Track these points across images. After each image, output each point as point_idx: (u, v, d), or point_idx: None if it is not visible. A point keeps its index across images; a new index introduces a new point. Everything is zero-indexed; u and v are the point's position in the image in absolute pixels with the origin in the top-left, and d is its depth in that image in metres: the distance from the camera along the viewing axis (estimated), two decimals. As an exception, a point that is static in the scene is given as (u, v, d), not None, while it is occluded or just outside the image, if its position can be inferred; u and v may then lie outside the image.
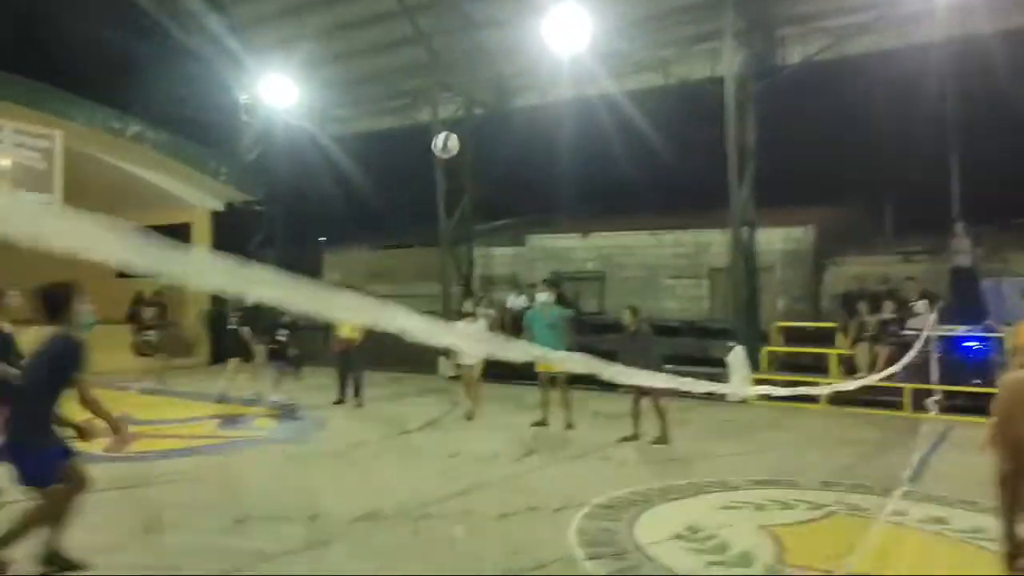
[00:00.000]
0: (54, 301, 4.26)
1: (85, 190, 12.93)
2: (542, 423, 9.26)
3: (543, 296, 9.34)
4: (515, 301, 15.65)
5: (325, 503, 5.94)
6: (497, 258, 18.18)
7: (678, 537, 5.05)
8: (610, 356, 4.54)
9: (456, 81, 16.59)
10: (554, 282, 16.17)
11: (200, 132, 18.62)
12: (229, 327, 12.08)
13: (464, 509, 5.78)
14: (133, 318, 17.71)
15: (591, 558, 4.65)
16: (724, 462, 7.48)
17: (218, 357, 18.95)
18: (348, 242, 20.52)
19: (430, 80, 16.22)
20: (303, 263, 21.10)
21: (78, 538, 4.36)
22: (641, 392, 8.12)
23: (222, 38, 18.49)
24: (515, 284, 17.59)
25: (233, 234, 19.61)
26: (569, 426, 9.18)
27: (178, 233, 18.61)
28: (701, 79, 14.51)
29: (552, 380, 9.25)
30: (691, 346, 14.51)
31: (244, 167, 18.75)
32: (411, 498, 6.00)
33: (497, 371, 13.04)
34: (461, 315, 10.88)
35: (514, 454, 7.89)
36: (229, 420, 9.99)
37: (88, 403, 4.20)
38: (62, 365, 4.15)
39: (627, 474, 6.90)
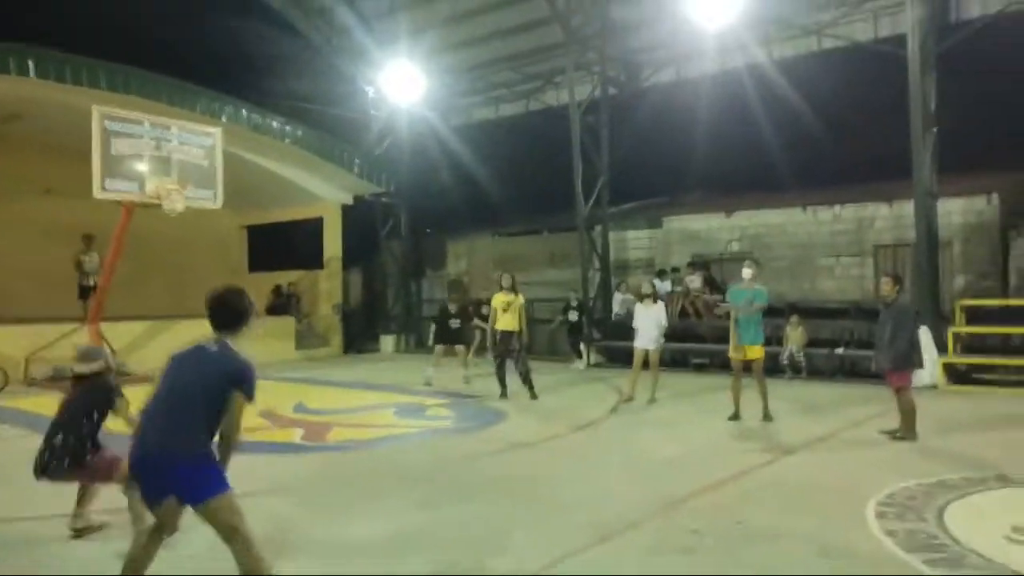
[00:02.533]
0: (236, 311, 3.67)
1: (228, 187, 13.13)
2: (736, 416, 8.56)
3: (747, 272, 8.65)
4: (660, 286, 14.99)
5: (582, 497, 5.55)
6: (632, 241, 17.55)
7: (1011, 539, 4.37)
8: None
9: (591, 60, 16.01)
10: (699, 264, 15.51)
11: (330, 126, 18.79)
12: (439, 315, 13.03)
13: (724, 504, 5.26)
14: (274, 311, 18.14)
15: (927, 563, 4.04)
16: (983, 452, 6.68)
17: (348, 347, 19.26)
18: (473, 231, 20.32)
19: (567, 60, 15.66)
20: (429, 252, 21.14)
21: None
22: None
23: (350, 31, 18.58)
24: (651, 268, 16.95)
25: (362, 226, 19.81)
26: (767, 417, 8.49)
27: (312, 227, 19.03)
28: (867, 40, 13.47)
29: (748, 367, 8.56)
30: (859, 329, 13.56)
31: (373, 159, 18.80)
32: (658, 495, 5.53)
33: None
34: (640, 297, 10.30)
35: (733, 446, 7.31)
36: (404, 409, 9.81)
37: None
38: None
39: (888, 468, 6.17)
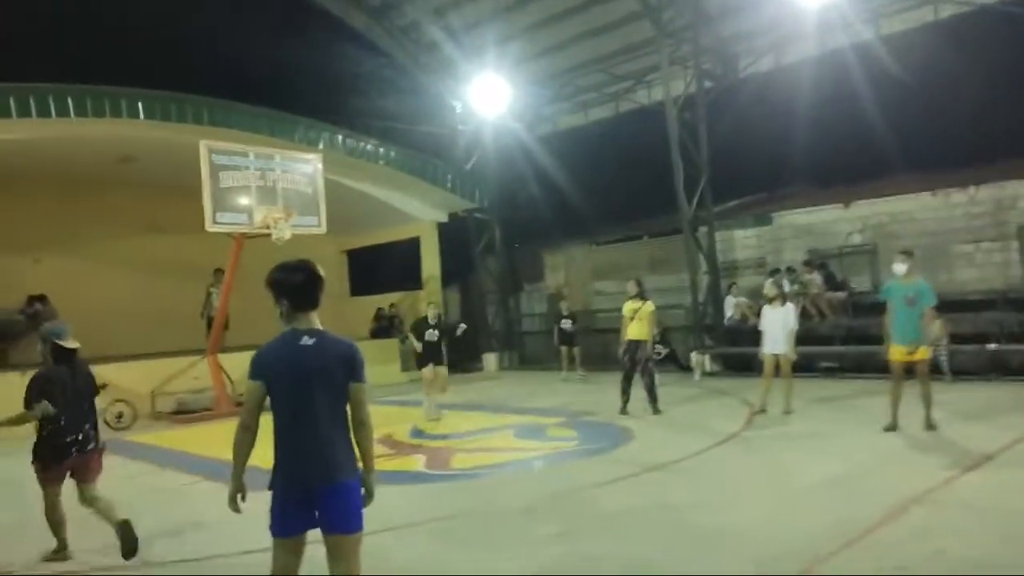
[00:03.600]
0: (320, 280, 3.27)
1: (327, 213, 13.20)
2: (893, 427, 7.70)
3: (900, 267, 7.80)
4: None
5: (739, 527, 5.00)
6: (739, 241, 16.65)
7: None
8: None
9: (685, 54, 15.33)
10: (816, 261, 14.50)
11: (418, 143, 18.82)
12: (561, 325, 15.05)
13: (914, 533, 4.58)
14: (376, 334, 18.22)
15: None
16: None
17: (451, 367, 19.12)
18: (568, 241, 19.87)
19: (660, 55, 15.05)
20: (525, 266, 20.82)
21: None
22: None
23: (436, 47, 18.58)
24: (761, 268, 16.01)
25: (457, 243, 19.70)
26: (930, 426, 7.61)
27: (409, 247, 19.05)
28: (994, 1, 12.28)
29: (909, 370, 7.70)
30: (1008, 321, 12.28)
31: (464, 174, 18.68)
32: (830, 523, 4.91)
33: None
34: (769, 300, 9.57)
35: (902, 462, 6.55)
36: (524, 429, 9.42)
37: None
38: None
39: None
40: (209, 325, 14.33)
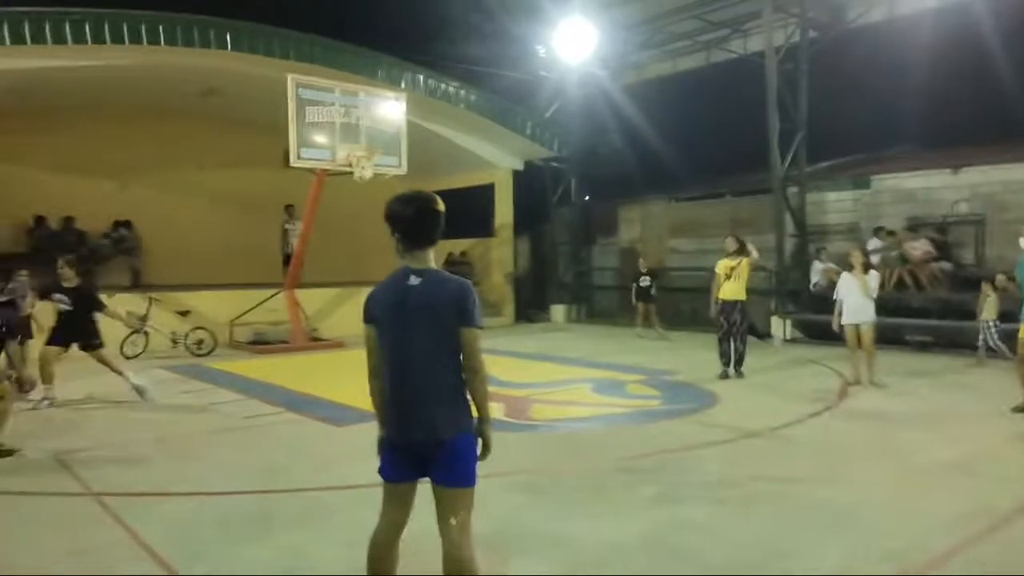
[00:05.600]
0: (436, 213, 2.94)
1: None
2: None
3: None
4: (872, 245, 13.25)
5: (857, 508, 4.65)
6: (832, 204, 15.77)
7: None
8: None
9: (789, 1, 14.35)
10: (926, 227, 13.61)
11: (500, 89, 18.35)
12: (640, 282, 14.91)
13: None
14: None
15: None
16: None
17: (519, 316, 18.97)
18: (647, 195, 19.24)
19: (764, 1, 14.10)
20: (600, 219, 20.32)
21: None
22: None
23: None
24: (853, 234, 15.16)
25: (532, 192, 19.32)
26: (1055, 410, 7.02)
27: (483, 193, 18.76)
28: None
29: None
30: None
31: (544, 122, 18.18)
32: (964, 512, 4.52)
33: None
34: (849, 266, 8.94)
35: None
36: (601, 384, 9.16)
37: None
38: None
39: None
40: (285, 261, 14.46)
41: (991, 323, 10.18)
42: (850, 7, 15.27)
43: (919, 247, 12.84)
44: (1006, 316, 9.50)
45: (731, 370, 9.38)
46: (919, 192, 14.37)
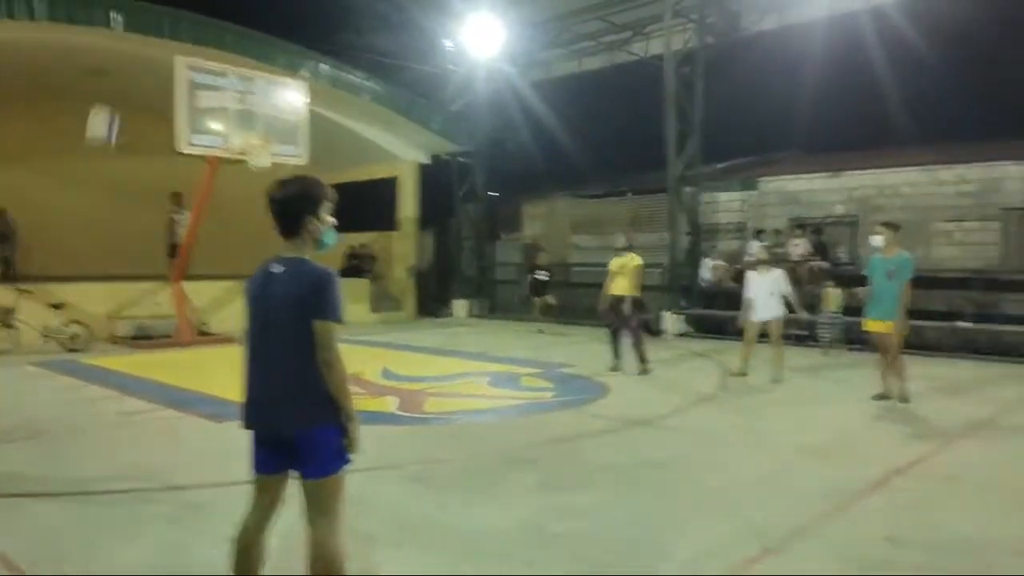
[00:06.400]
0: (295, 199, 2.84)
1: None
2: (885, 395, 7.71)
3: (876, 239, 7.70)
4: (750, 246, 13.92)
5: (725, 489, 4.89)
6: (722, 204, 16.50)
7: None
8: None
9: (687, 7, 14.87)
10: (808, 227, 14.40)
11: (407, 82, 18.19)
12: (536, 275, 15.25)
13: (905, 505, 4.51)
14: (348, 273, 17.83)
15: None
16: None
17: (420, 311, 18.88)
18: (551, 192, 19.54)
19: (664, 5, 14.54)
20: (504, 215, 20.48)
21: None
22: None
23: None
24: (742, 233, 15.93)
25: (437, 186, 19.25)
26: (904, 399, 7.59)
27: (387, 187, 18.55)
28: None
29: (885, 342, 7.65)
30: (981, 301, 12.42)
31: (451, 116, 18.14)
32: (818, 491, 4.83)
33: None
34: (756, 264, 9.41)
35: (883, 433, 6.52)
36: (497, 378, 9.25)
37: None
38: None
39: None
40: (171, 252, 13.85)
41: (833, 316, 11.34)
42: (745, 15, 15.97)
43: (800, 245, 13.59)
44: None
45: (638, 366, 9.41)
46: (802, 194, 15.24)
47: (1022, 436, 6.32)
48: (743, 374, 9.14)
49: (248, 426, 2.85)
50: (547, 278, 15.23)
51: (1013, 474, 5.22)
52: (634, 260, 9.46)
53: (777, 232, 14.31)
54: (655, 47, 16.34)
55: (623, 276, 9.45)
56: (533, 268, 15.48)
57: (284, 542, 3.28)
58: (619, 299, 9.50)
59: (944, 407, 7.48)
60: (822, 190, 15.01)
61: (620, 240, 9.71)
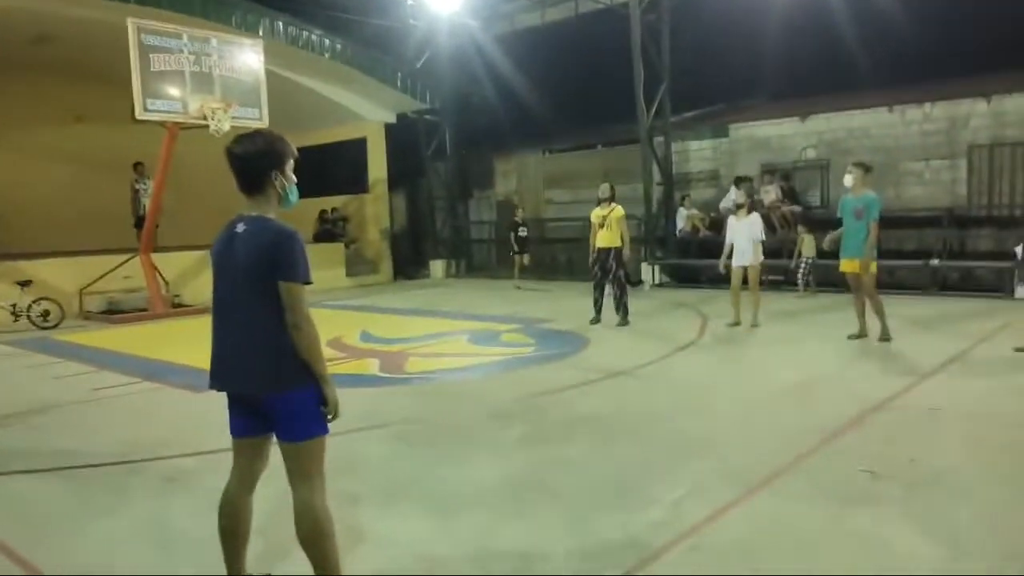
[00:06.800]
0: (254, 154, 2.74)
1: (268, 108, 12.33)
2: (860, 335, 7.85)
3: (847, 179, 7.74)
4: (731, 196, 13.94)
5: (706, 434, 4.95)
6: (694, 153, 16.45)
7: None
8: None
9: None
10: (776, 173, 14.43)
11: (366, 38, 17.73)
12: (519, 231, 15.32)
13: (882, 439, 4.61)
14: (321, 237, 17.60)
15: None
16: None
17: (397, 273, 18.74)
18: (521, 148, 19.31)
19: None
20: (475, 172, 20.25)
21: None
22: None
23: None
24: (714, 181, 15.94)
25: (406, 146, 18.94)
26: (885, 337, 7.72)
27: (355, 148, 18.21)
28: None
29: (857, 282, 7.75)
30: (951, 239, 12.65)
31: (414, 73, 17.76)
32: (797, 430, 4.91)
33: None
34: (736, 209, 9.39)
35: (861, 371, 6.64)
36: (477, 335, 9.24)
37: None
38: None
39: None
40: (138, 224, 13.53)
41: (808, 260, 11.89)
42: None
43: (771, 191, 13.64)
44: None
45: (617, 319, 9.45)
46: (772, 140, 15.21)
47: (995, 369, 6.46)
48: (737, 323, 9.14)
49: (215, 386, 2.78)
50: (525, 234, 15.27)
51: (987, 406, 5.35)
52: (617, 211, 9.38)
53: (749, 180, 14.31)
54: (620, -6, 16.02)
55: (607, 228, 9.38)
56: (514, 225, 15.42)
57: (274, 505, 3.26)
58: (606, 251, 9.44)
59: (918, 343, 7.62)
60: (792, 135, 15.00)
61: (604, 190, 9.52)
